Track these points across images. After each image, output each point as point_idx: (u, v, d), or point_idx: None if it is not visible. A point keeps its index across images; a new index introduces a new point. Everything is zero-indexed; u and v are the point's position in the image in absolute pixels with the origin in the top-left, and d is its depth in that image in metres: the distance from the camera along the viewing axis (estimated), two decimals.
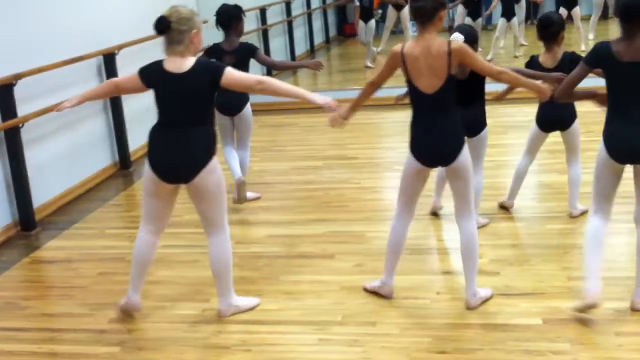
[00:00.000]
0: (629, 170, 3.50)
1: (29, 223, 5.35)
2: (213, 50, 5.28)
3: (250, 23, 10.40)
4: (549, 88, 3.63)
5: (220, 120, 5.29)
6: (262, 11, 11.22)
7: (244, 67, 5.40)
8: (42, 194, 5.69)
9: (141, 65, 3.57)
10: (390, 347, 3.41)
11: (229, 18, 5.29)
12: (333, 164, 6.56)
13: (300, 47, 13.18)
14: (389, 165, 6.60)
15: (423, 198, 5.44)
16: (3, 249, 5.09)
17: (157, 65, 3.49)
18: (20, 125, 5.28)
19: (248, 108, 5.38)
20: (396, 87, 4.25)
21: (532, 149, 4.85)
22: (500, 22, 11.09)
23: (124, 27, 7.04)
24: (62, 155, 6.06)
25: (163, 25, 3.38)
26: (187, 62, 3.42)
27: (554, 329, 3.43)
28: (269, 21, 11.43)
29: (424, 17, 3.41)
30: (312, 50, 13.81)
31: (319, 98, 3.51)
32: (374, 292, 3.92)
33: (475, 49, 4.16)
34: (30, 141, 5.52)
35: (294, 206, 5.58)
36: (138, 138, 7.27)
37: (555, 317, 3.55)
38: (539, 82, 3.65)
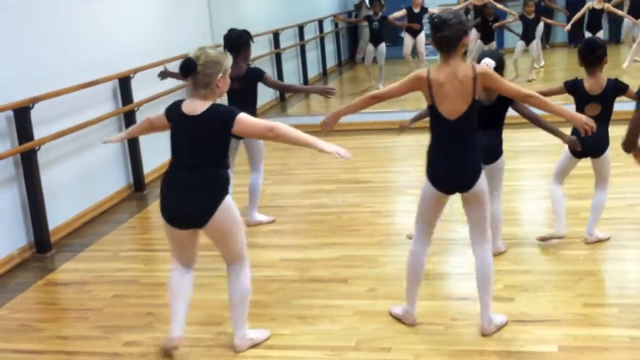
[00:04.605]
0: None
1: (44, 245, 5.39)
2: None
3: (263, 47, 10.48)
4: (587, 119, 3.47)
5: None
6: (275, 35, 11.32)
7: (252, 93, 5.41)
8: (57, 216, 5.73)
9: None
10: None
11: (238, 43, 5.24)
12: (345, 187, 6.57)
13: (313, 71, 13.25)
14: (401, 189, 6.62)
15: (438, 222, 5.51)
16: (18, 271, 5.12)
17: (178, 104, 3.48)
18: (37, 148, 5.33)
19: None
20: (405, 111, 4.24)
21: (561, 174, 4.74)
22: (519, 45, 11.10)
23: (139, 52, 7.11)
24: (77, 177, 6.11)
25: (190, 67, 3.32)
26: (203, 106, 3.37)
27: (570, 357, 3.42)
28: (282, 45, 11.52)
29: (450, 45, 3.40)
30: (324, 74, 13.87)
31: (328, 147, 3.36)
32: (397, 319, 3.89)
33: (503, 75, 4.05)
34: (46, 164, 5.57)
35: (306, 230, 5.59)
36: (153, 160, 7.33)
37: (571, 344, 3.53)
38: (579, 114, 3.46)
